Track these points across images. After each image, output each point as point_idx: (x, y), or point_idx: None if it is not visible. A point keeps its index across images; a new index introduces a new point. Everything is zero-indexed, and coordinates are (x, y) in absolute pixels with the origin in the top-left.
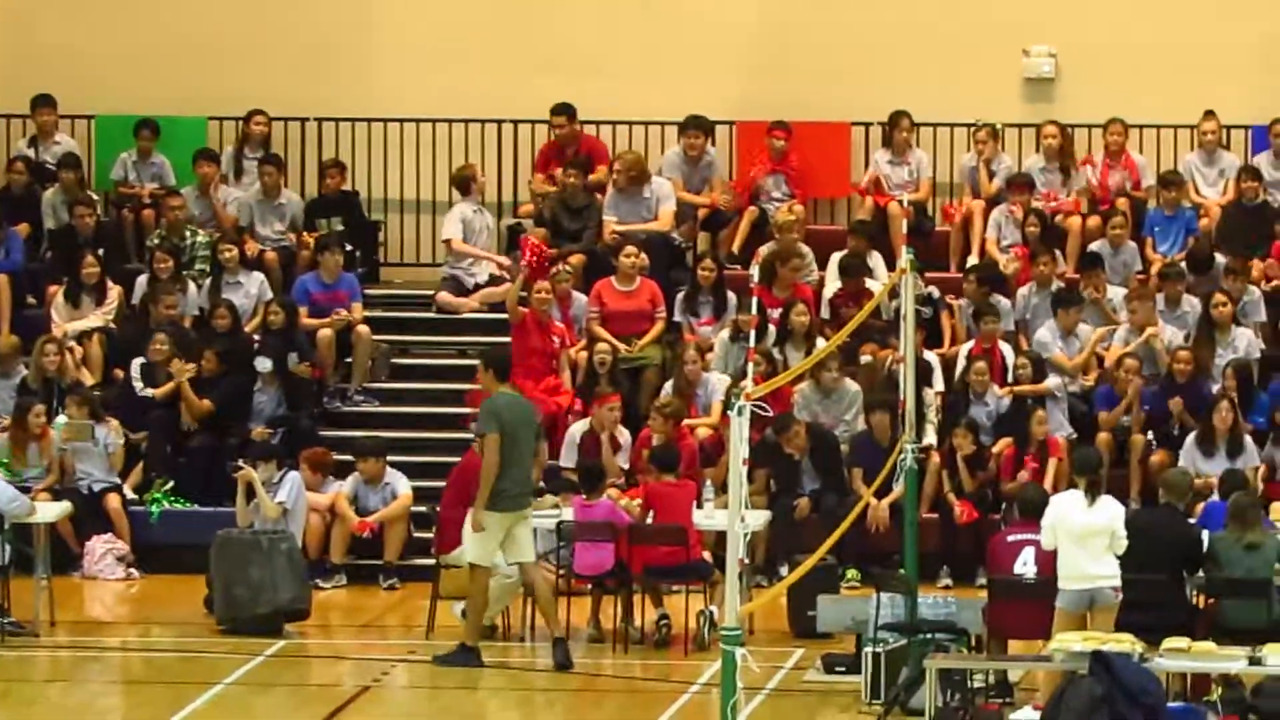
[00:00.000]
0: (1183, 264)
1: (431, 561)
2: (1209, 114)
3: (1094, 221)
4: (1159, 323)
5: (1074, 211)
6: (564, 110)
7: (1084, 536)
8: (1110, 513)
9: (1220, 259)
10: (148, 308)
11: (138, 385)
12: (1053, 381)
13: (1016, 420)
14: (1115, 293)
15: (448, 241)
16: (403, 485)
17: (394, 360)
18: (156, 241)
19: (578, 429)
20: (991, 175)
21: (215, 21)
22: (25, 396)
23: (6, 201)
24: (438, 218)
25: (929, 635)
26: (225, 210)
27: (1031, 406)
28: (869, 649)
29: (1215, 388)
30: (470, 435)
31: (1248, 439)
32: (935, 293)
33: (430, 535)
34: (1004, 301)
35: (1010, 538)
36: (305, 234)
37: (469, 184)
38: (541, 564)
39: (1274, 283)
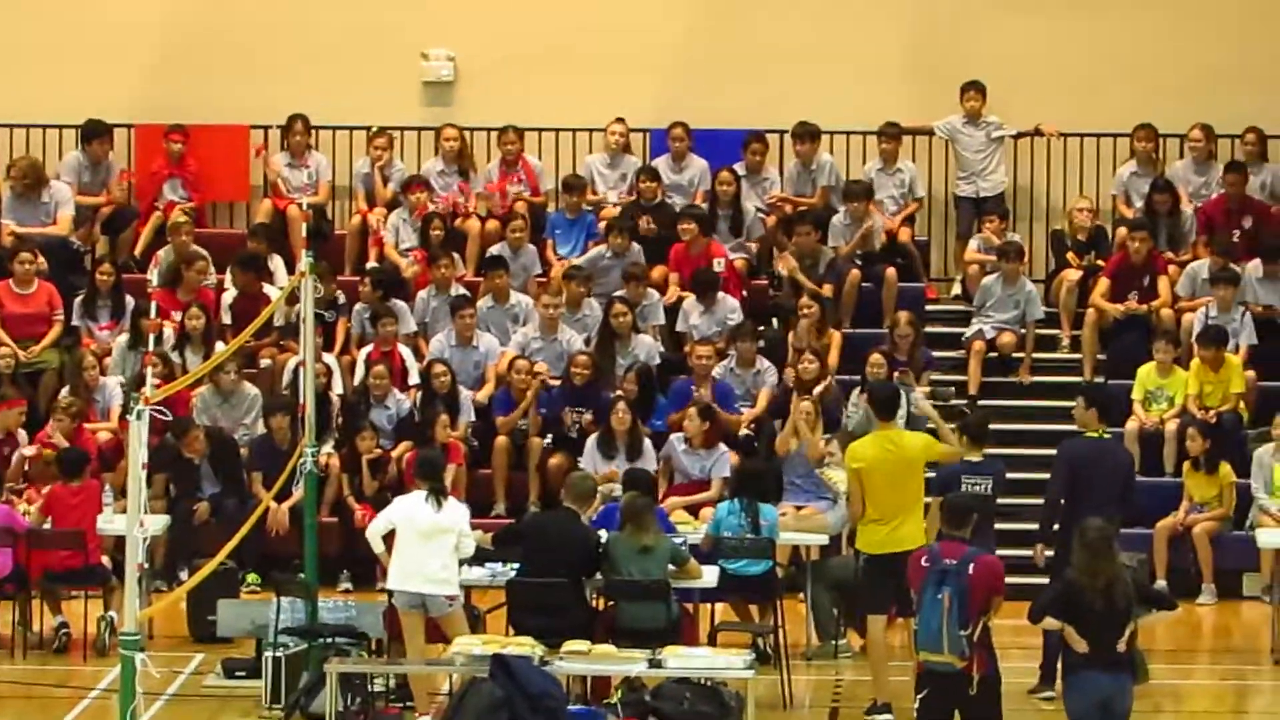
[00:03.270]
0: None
1: None
2: (619, 119)
3: (493, 224)
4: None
5: (472, 214)
6: None
7: (431, 534)
8: (458, 513)
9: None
10: None
11: None
12: None
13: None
14: (517, 297)
15: None
16: None
17: None
18: None
19: None
20: (386, 180)
21: None
22: None
23: None
24: None
25: (329, 639)
26: None
27: (436, 410)
28: (269, 653)
29: (616, 392)
30: None
31: (647, 442)
32: (340, 298)
33: None
34: (402, 305)
35: None
36: None
37: None
38: None
39: (674, 294)
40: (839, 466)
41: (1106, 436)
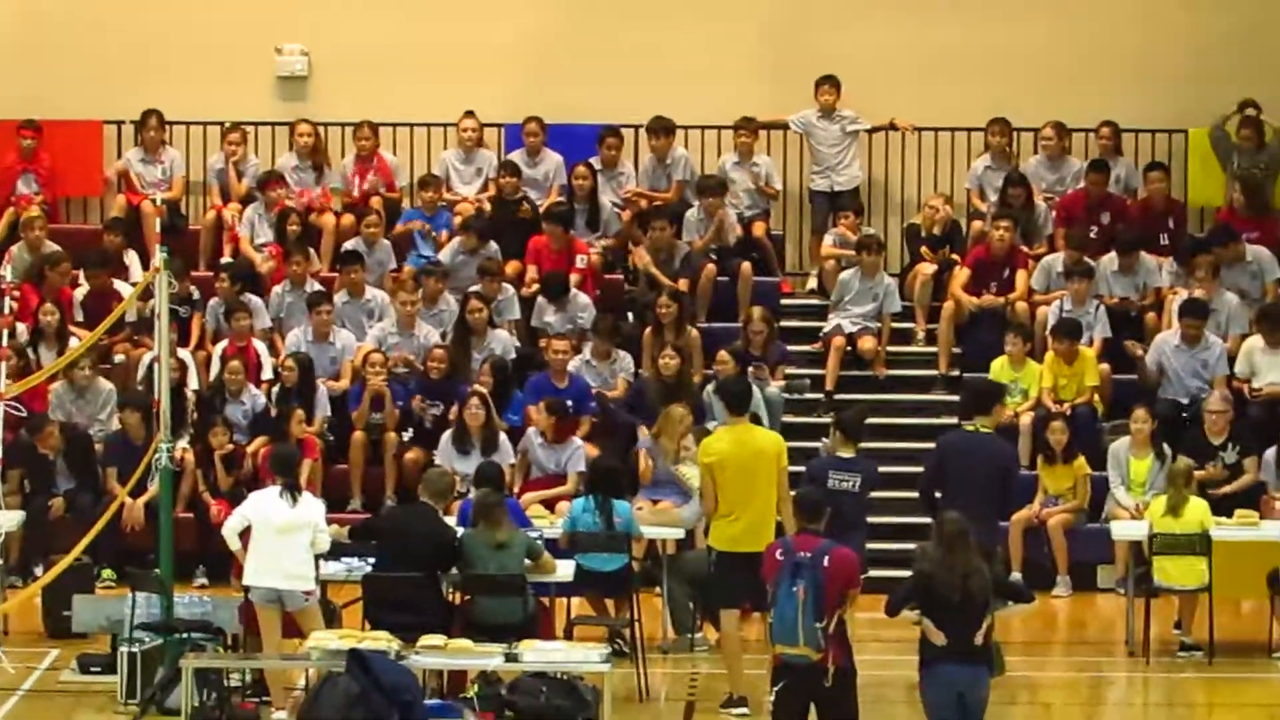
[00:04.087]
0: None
1: None
2: (469, 113)
3: (348, 220)
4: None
5: (327, 209)
6: None
7: (287, 529)
8: (313, 508)
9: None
10: None
11: None
12: None
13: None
14: (372, 293)
15: None
16: None
17: None
18: None
19: None
20: (240, 175)
21: None
22: None
23: None
24: None
25: (185, 634)
26: None
27: (291, 406)
28: (125, 649)
29: (472, 387)
30: None
31: (503, 436)
32: (195, 294)
33: None
34: (257, 300)
35: None
36: None
37: None
38: None
39: (534, 286)
40: (693, 462)
41: (984, 430)
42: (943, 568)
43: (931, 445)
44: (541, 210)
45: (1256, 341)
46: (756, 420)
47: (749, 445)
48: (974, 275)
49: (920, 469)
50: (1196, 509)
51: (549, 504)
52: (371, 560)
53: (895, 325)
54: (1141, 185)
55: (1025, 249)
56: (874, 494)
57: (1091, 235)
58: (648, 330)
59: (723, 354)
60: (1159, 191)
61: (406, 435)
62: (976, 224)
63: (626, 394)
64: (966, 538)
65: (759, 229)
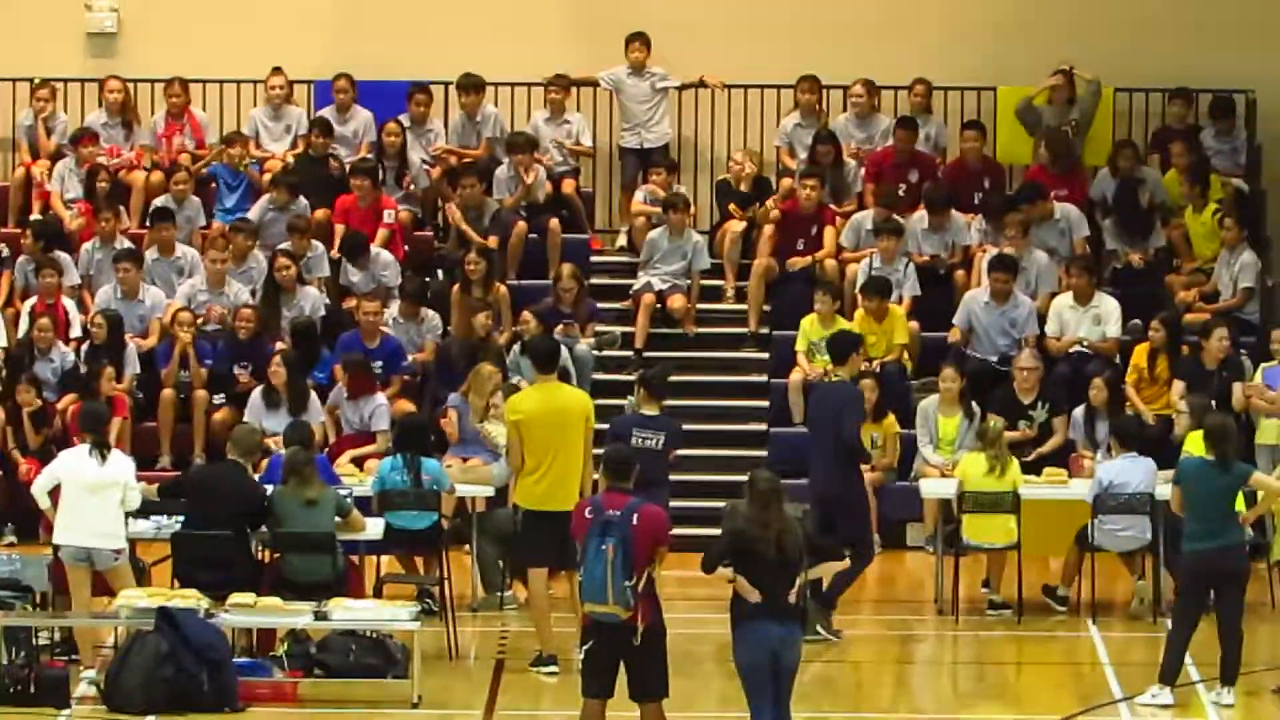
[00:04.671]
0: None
1: None
2: (277, 70)
3: (158, 177)
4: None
5: (137, 166)
6: None
7: (96, 488)
8: (123, 466)
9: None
10: None
11: None
12: None
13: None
14: (182, 249)
15: None
16: None
17: None
18: None
19: None
20: (50, 132)
21: None
22: None
23: None
24: None
25: None
26: None
27: (100, 363)
28: None
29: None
30: None
31: (312, 395)
32: (4, 251)
33: None
34: (66, 257)
35: None
36: None
37: None
38: None
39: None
40: (500, 420)
41: (837, 379)
42: (757, 525)
43: (741, 403)
44: (349, 167)
45: (1065, 299)
46: (566, 377)
47: (556, 403)
48: (782, 232)
49: (731, 427)
50: (1013, 467)
51: (359, 461)
52: (180, 518)
53: (705, 283)
54: (956, 143)
55: (834, 207)
56: (682, 451)
57: (900, 193)
58: (456, 287)
59: (525, 313)
60: (973, 151)
61: (219, 398)
62: (786, 181)
63: (435, 354)
64: (780, 495)
65: (569, 186)
